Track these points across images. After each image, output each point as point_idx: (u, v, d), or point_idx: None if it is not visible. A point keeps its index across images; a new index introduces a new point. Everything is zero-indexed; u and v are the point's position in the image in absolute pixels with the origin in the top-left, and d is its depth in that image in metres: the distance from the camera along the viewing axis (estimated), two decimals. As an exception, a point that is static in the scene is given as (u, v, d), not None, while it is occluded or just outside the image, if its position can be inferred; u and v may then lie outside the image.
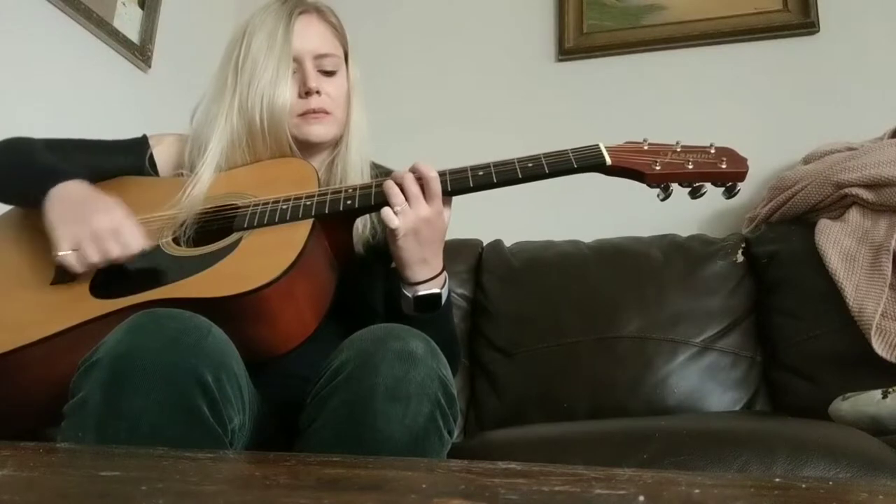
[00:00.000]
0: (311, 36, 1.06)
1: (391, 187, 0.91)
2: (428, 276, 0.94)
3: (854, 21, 1.81)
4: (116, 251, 0.89)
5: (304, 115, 1.05)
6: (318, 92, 1.05)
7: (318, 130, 1.06)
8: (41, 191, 0.94)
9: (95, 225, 0.89)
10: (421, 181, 0.91)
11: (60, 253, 0.89)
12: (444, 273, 0.96)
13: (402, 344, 0.75)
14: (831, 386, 1.28)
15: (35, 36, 1.55)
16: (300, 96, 1.05)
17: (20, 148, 1.05)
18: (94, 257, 0.89)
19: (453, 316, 1.01)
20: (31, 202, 0.97)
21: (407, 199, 0.90)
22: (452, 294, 1.62)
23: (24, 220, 1.06)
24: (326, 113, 1.06)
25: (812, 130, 1.71)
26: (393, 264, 0.96)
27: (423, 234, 0.91)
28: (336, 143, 1.10)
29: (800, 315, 1.45)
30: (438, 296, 0.94)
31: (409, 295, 0.94)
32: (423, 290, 0.94)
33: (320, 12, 1.10)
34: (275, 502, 0.39)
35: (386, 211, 0.90)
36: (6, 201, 1.08)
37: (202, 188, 1.01)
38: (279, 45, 1.03)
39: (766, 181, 1.69)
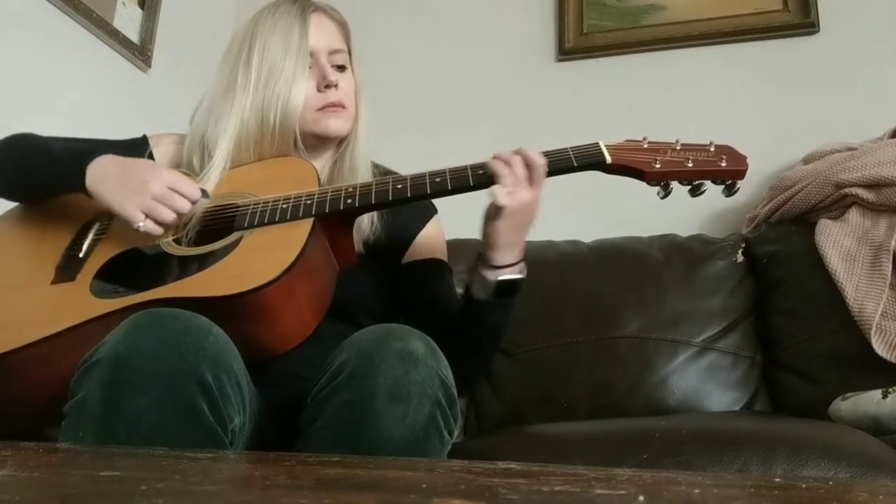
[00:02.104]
0: (323, 32, 1.07)
1: (502, 167, 0.91)
2: (513, 260, 0.95)
3: (854, 21, 1.80)
4: (185, 205, 0.93)
5: (323, 109, 1.05)
6: (336, 85, 1.05)
7: (337, 124, 1.06)
8: (76, 172, 0.95)
9: (154, 189, 0.92)
10: (528, 166, 0.91)
11: (140, 224, 0.92)
12: (523, 262, 0.97)
13: (403, 344, 0.75)
14: (831, 386, 1.27)
15: (35, 36, 1.55)
16: (318, 90, 1.05)
17: (29, 141, 1.05)
18: (169, 217, 0.93)
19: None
20: (64, 187, 0.98)
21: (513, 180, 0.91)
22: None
23: (24, 220, 1.06)
24: (343, 107, 1.07)
25: (812, 130, 1.71)
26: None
27: (521, 217, 0.92)
28: (343, 139, 1.11)
29: (800, 315, 1.45)
30: (518, 282, 0.96)
31: (492, 279, 0.95)
32: (506, 275, 0.95)
33: (326, 10, 1.11)
34: (275, 502, 0.39)
35: (498, 189, 0.90)
36: (21, 195, 1.06)
37: (209, 188, 1.01)
38: (296, 43, 1.03)
39: (766, 181, 1.68)
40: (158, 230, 0.93)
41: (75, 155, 0.98)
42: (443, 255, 1.13)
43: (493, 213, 0.92)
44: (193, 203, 0.95)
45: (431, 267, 1.09)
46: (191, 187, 0.95)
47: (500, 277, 0.94)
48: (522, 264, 0.97)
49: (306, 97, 1.04)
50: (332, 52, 1.08)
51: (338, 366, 0.76)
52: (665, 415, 1.38)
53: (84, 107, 1.66)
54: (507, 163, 0.91)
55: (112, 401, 0.69)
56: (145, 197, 0.92)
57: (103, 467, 0.52)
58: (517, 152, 0.92)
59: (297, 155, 1.06)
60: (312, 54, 1.05)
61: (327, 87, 1.05)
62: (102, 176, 0.95)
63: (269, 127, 1.03)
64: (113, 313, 0.85)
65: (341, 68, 1.09)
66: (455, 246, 1.70)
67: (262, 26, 1.06)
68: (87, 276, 0.93)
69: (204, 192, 0.97)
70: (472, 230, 1.74)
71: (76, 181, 0.95)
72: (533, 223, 0.95)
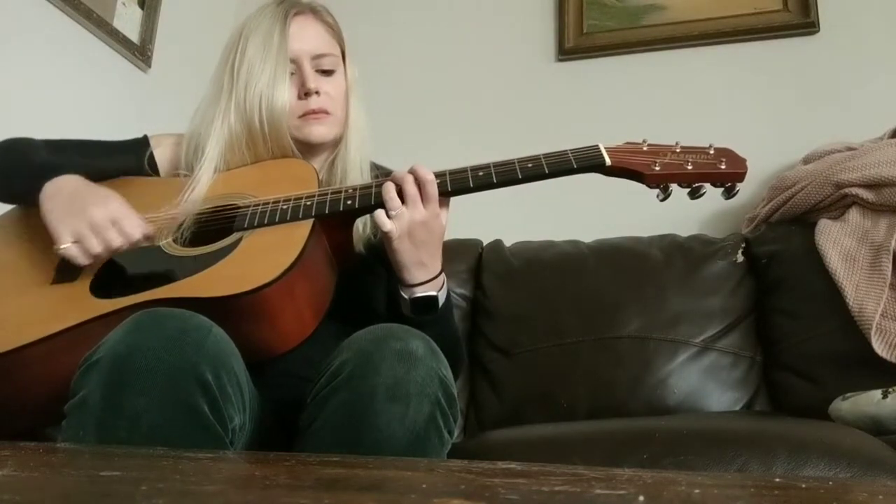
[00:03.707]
0: (307, 36, 1.06)
1: (388, 190, 0.91)
2: (424, 278, 0.94)
3: (854, 21, 1.81)
4: (118, 240, 0.89)
5: (304, 116, 1.05)
6: (317, 92, 1.05)
7: (320, 131, 1.06)
8: (37, 187, 0.95)
9: (93, 216, 0.89)
10: (418, 184, 0.91)
11: (62, 246, 0.89)
12: (443, 275, 0.96)
13: (403, 344, 0.75)
14: (831, 386, 1.28)
15: (35, 36, 1.55)
16: (300, 97, 1.05)
17: (19, 148, 1.06)
18: (97, 248, 0.89)
19: (454, 317, 1.00)
20: (28, 199, 0.98)
21: (404, 201, 0.90)
22: (452, 294, 1.63)
23: (24, 220, 1.06)
24: (327, 113, 1.06)
25: (812, 130, 1.71)
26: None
27: (419, 236, 0.91)
28: (336, 143, 1.10)
29: (800, 315, 1.45)
30: (435, 298, 0.94)
31: (406, 297, 0.94)
32: (419, 293, 0.94)
33: (316, 12, 1.10)
34: (275, 502, 0.39)
35: (379, 213, 0.91)
36: (6, 200, 1.08)
37: (201, 190, 1.01)
38: (275, 46, 1.03)
39: (766, 181, 1.69)
40: (82, 259, 0.90)
41: (44, 170, 0.97)
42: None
43: (384, 237, 0.91)
44: (130, 243, 0.90)
45: None
46: (134, 228, 0.91)
47: (414, 296, 0.93)
48: (440, 280, 0.95)
49: (290, 104, 1.03)
50: (317, 57, 1.06)
51: (338, 366, 0.76)
52: (665, 415, 1.38)
53: (84, 107, 1.66)
54: (399, 183, 0.91)
55: (112, 400, 0.69)
56: (81, 223, 0.89)
57: (103, 467, 0.52)
58: (410, 171, 0.92)
59: (295, 157, 1.06)
60: (294, 60, 1.04)
61: (307, 94, 1.04)
62: (55, 193, 0.94)
63: (257, 130, 1.03)
64: (113, 313, 0.85)
65: (328, 72, 1.07)
66: (455, 246, 1.71)
67: (247, 29, 1.06)
68: (87, 276, 0.93)
69: (148, 238, 0.93)
70: (472, 230, 1.75)
71: (33, 196, 0.95)
72: (438, 240, 0.93)
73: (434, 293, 0.94)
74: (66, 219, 0.90)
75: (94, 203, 0.91)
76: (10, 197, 1.07)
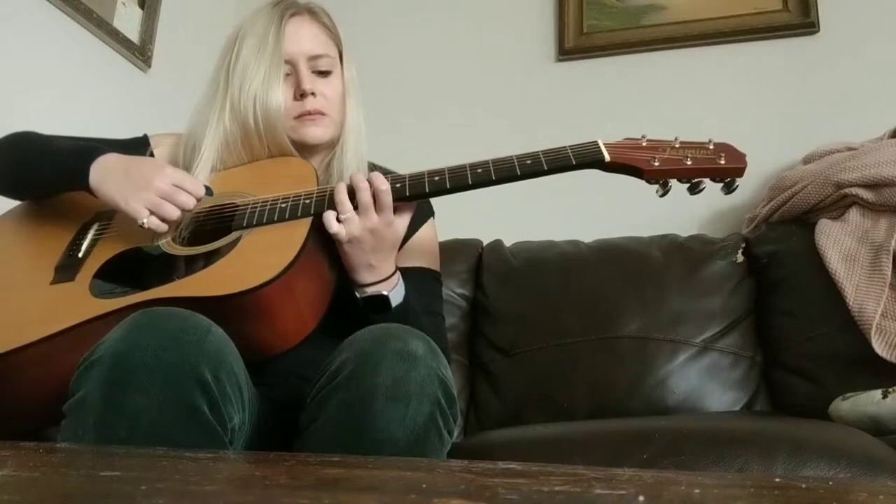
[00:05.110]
0: (303, 37, 1.06)
1: (340, 193, 0.91)
2: (375, 279, 0.94)
3: (854, 21, 1.81)
4: (189, 202, 0.93)
5: (299, 117, 1.05)
6: (312, 94, 1.05)
7: (315, 132, 1.06)
8: (80, 169, 0.95)
9: (158, 186, 0.92)
10: (373, 192, 0.91)
11: (144, 220, 0.92)
12: (396, 276, 0.96)
13: (402, 344, 0.75)
14: (831, 386, 1.28)
15: (35, 36, 1.55)
16: (295, 98, 1.05)
17: (32, 139, 1.05)
18: (174, 214, 0.92)
19: (420, 318, 0.99)
20: (68, 184, 0.98)
21: (357, 207, 0.91)
22: (452, 294, 1.63)
23: (24, 220, 1.06)
24: (322, 114, 1.06)
25: (812, 130, 1.71)
26: None
27: (368, 243, 0.91)
28: (332, 145, 1.10)
29: (800, 315, 1.45)
30: (386, 297, 0.94)
31: (358, 295, 0.95)
32: (370, 291, 0.94)
33: (313, 13, 1.10)
34: (275, 502, 0.39)
35: (328, 216, 0.91)
36: (23, 194, 1.06)
37: None
38: (270, 47, 1.02)
39: (766, 181, 1.69)
40: (162, 227, 0.93)
41: (79, 153, 0.98)
42: (431, 260, 1.11)
43: (333, 237, 0.91)
44: (198, 200, 0.95)
45: (416, 276, 1.06)
46: (195, 184, 0.95)
47: (365, 294, 0.94)
48: (392, 280, 0.95)
49: (285, 105, 1.03)
50: (313, 58, 1.06)
51: (338, 365, 0.76)
52: (665, 415, 1.38)
53: (84, 106, 1.66)
54: (356, 188, 0.91)
55: (111, 399, 0.69)
56: (150, 193, 0.92)
57: (103, 467, 0.52)
58: (367, 178, 0.92)
59: (293, 156, 1.06)
60: (290, 61, 1.04)
61: (302, 95, 1.04)
62: (106, 173, 0.95)
63: (252, 130, 1.03)
64: (112, 313, 0.85)
65: (324, 74, 1.07)
66: (455, 246, 1.71)
67: (243, 30, 1.06)
68: (87, 275, 0.94)
69: (208, 189, 0.96)
70: (472, 230, 1.75)
71: (80, 179, 0.95)
72: (391, 245, 0.93)
73: (385, 292, 0.94)
74: (135, 194, 0.92)
75: (152, 173, 0.93)
76: (33, 187, 1.05)
